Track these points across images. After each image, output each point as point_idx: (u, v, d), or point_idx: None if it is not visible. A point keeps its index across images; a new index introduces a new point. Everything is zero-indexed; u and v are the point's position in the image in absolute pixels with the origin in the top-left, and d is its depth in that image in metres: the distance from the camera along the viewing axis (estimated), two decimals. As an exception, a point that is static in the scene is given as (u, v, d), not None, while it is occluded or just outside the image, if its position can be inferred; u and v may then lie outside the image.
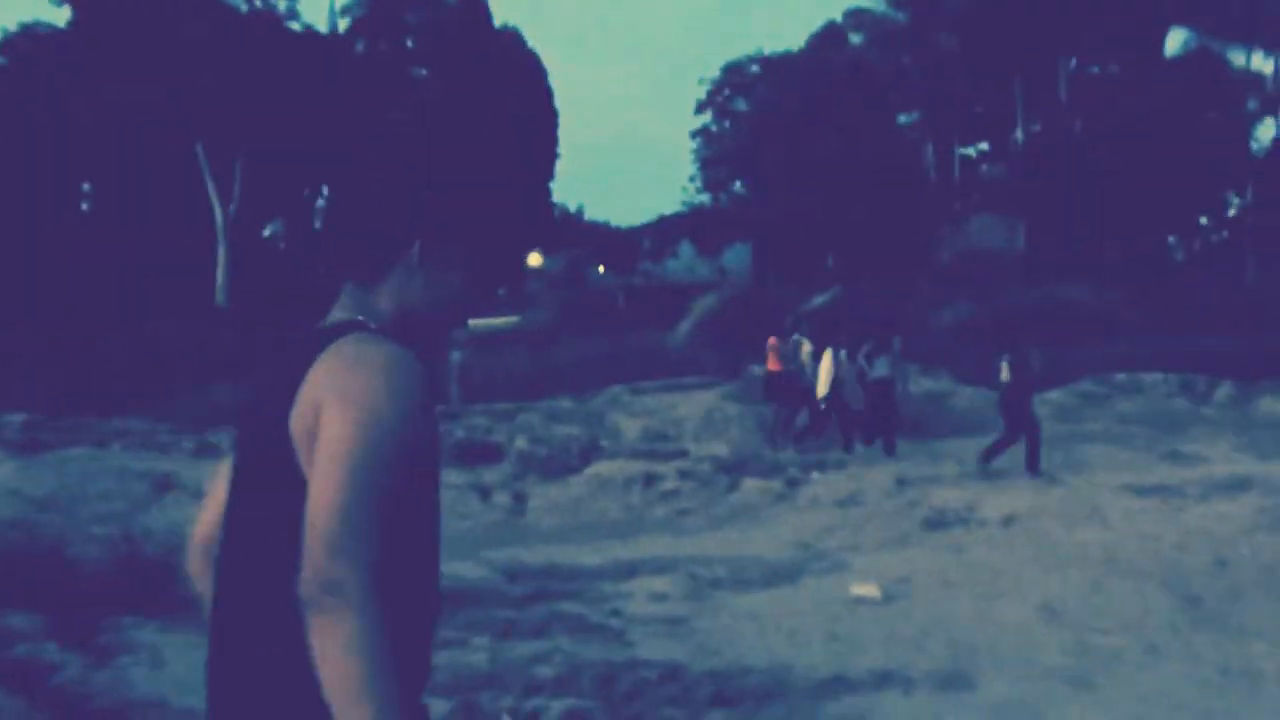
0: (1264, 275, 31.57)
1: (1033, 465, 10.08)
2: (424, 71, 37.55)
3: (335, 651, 1.30)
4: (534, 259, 39.70)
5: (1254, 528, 6.80)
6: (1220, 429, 13.12)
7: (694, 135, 44.94)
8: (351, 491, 1.35)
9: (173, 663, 4.77)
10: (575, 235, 45.32)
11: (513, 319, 32.21)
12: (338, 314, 1.59)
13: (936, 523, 8.04)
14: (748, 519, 9.40)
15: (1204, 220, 39.95)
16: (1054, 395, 15.62)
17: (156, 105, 28.64)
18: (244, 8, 31.55)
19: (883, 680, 5.01)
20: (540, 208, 39.87)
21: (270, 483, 1.46)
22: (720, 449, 11.88)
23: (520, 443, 12.18)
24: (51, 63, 30.74)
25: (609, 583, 6.92)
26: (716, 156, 43.50)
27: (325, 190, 39.39)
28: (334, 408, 1.38)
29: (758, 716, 4.58)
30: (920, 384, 14.27)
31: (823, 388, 12.18)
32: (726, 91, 44.34)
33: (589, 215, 48.96)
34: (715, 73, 45.63)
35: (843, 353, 12.20)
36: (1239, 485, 8.26)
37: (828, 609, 6.25)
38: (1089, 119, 37.12)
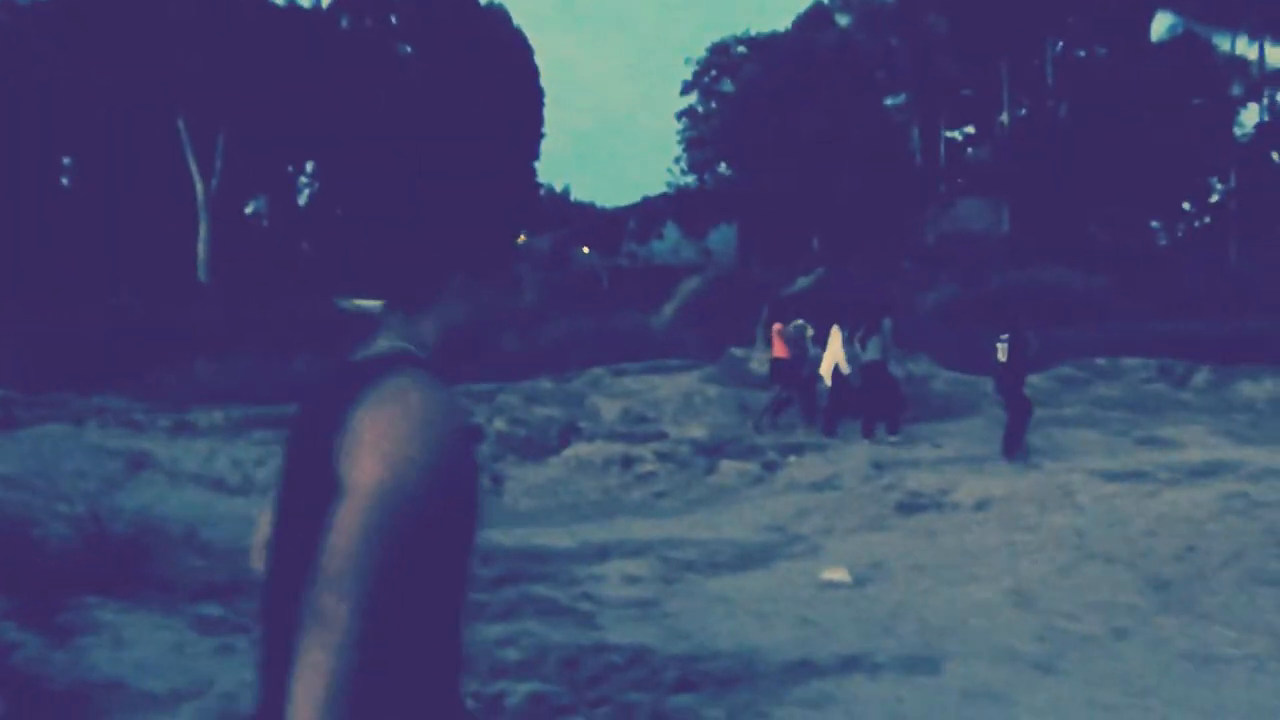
0: (1247, 261, 31.69)
1: (1010, 450, 10.11)
2: (408, 49, 37.23)
3: (306, 670, 1.39)
4: (518, 239, 39.55)
5: (1224, 513, 6.82)
6: (1197, 414, 13.18)
7: (679, 116, 44.81)
8: (360, 539, 1.41)
9: (134, 644, 4.73)
10: (561, 216, 45.15)
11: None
12: (384, 342, 1.62)
13: (910, 507, 8.05)
14: (724, 502, 9.40)
15: (1187, 205, 40.05)
16: (1034, 379, 15.62)
17: (138, 79, 28.33)
18: (226, -19, 31.17)
19: (850, 664, 5.01)
20: (526, 188, 39.66)
21: (313, 512, 1.48)
22: (699, 431, 11.87)
23: (499, 424, 12.14)
24: (32, 35, 30.35)
25: (582, 565, 6.90)
26: (702, 138, 43.36)
27: (308, 168, 39.11)
28: (365, 453, 1.44)
29: (722, 700, 4.57)
30: (903, 367, 14.27)
31: (828, 368, 12.20)
32: (713, 72, 44.16)
33: (575, 196, 48.84)
34: (702, 53, 45.49)
35: (845, 334, 12.26)
36: (1212, 470, 8.29)
37: (799, 593, 6.26)
38: (1075, 103, 37.14)
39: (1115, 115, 35.09)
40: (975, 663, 5.16)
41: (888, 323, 11.94)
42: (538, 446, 11.10)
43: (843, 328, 12.23)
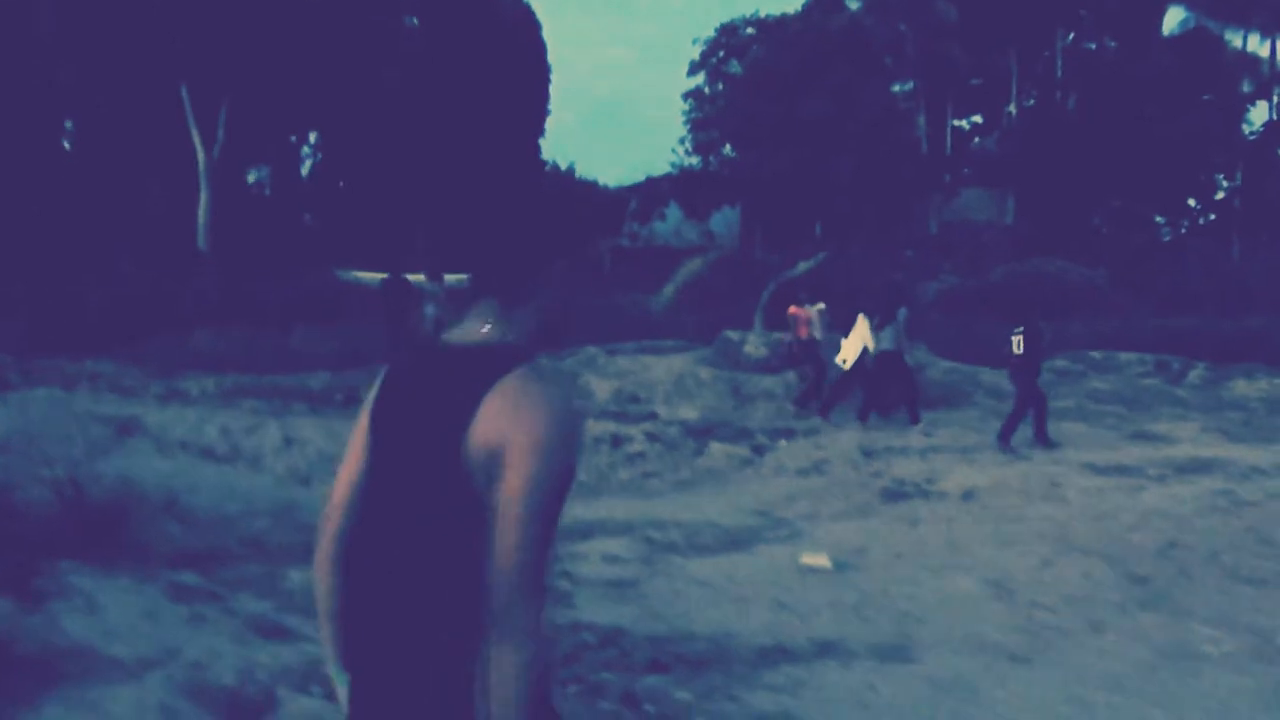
0: (1249, 259, 31.59)
1: (1005, 438, 10.15)
2: (414, 20, 36.99)
3: (507, 676, 1.53)
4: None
5: (1208, 510, 6.81)
6: (1190, 410, 13.14)
7: (686, 97, 44.54)
8: (532, 547, 1.54)
9: (106, 610, 4.71)
10: (564, 193, 44.95)
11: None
12: (486, 331, 1.70)
13: (896, 494, 8.03)
14: (711, 484, 9.38)
15: (1193, 202, 39.88)
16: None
17: (142, 44, 28.14)
18: (232, -52, 30.92)
19: (823, 650, 5.01)
20: (529, 163, 39.50)
21: (441, 500, 1.60)
22: (690, 413, 11.84)
23: (490, 400, 12.08)
24: (34, -3, 30.12)
25: (563, 543, 6.89)
26: (708, 119, 43.12)
27: (312, 139, 38.93)
28: (523, 457, 1.55)
29: (693, 683, 4.57)
30: (913, 356, 14.26)
31: (850, 354, 12.21)
32: (720, 54, 43.87)
33: (580, 174, 48.63)
34: (710, 33, 45.17)
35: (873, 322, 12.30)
36: (1200, 468, 8.27)
37: (778, 577, 6.24)
38: (1083, 95, 36.93)
39: (1123, 109, 34.89)
40: (950, 653, 5.15)
41: (903, 312, 12.00)
42: (528, 424, 11.05)
43: (871, 315, 12.28)
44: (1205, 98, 36.66)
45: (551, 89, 39.29)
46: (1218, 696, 4.77)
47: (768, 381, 13.58)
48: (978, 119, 42.70)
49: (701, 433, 10.72)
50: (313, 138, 39.22)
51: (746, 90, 39.07)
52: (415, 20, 36.97)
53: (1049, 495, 7.54)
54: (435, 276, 17.49)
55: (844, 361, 12.26)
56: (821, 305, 13.44)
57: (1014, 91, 38.43)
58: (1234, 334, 17.95)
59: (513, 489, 1.54)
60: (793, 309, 13.55)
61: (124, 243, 26.95)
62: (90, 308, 20.37)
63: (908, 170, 36.54)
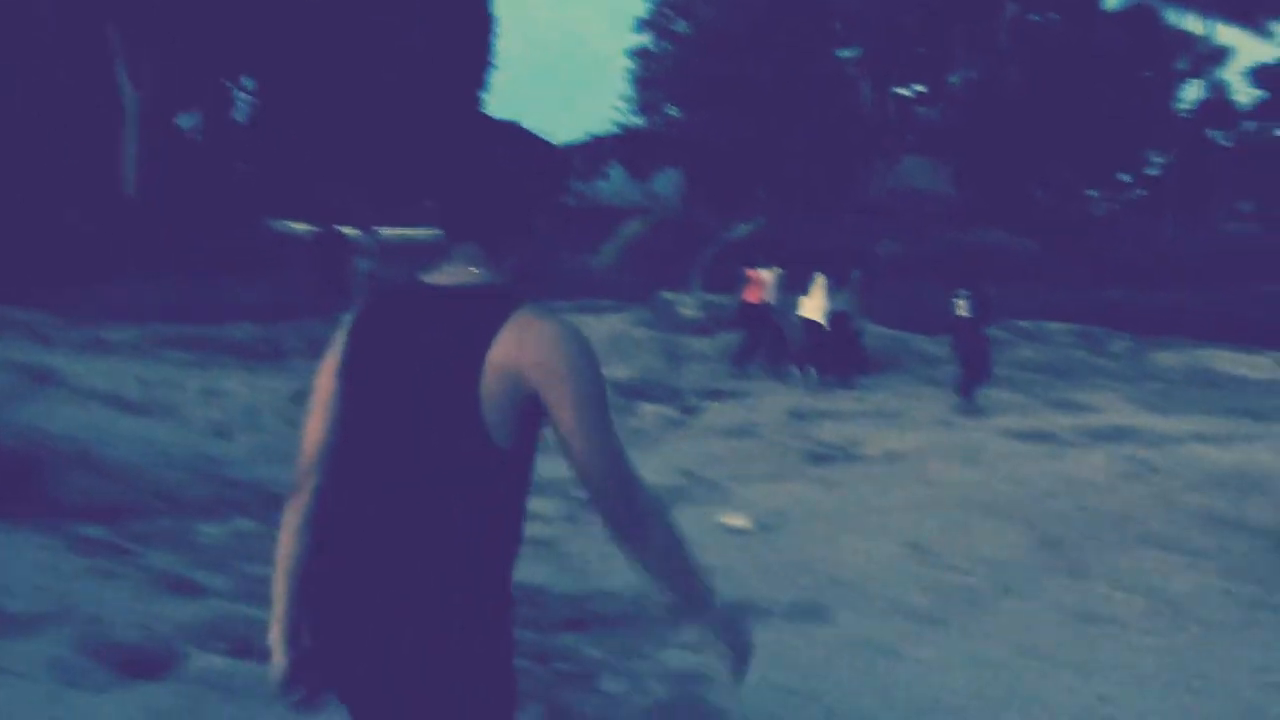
0: (1180, 236, 32.33)
1: (966, 392, 10.52)
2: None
3: (659, 556, 1.73)
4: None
5: (1121, 476, 6.97)
6: (1113, 380, 13.45)
7: (632, 55, 44.07)
8: (609, 452, 1.65)
9: (5, 563, 4.57)
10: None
11: (436, 231, 31.59)
12: (469, 275, 1.72)
13: (821, 457, 8.10)
14: (640, 444, 9.36)
15: (1127, 177, 40.62)
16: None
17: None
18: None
19: (739, 609, 5.03)
20: (470, 118, 38.82)
21: (449, 429, 1.63)
22: (623, 373, 11.81)
23: (422, 356, 11.95)
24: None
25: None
26: (654, 78, 42.75)
27: (247, 84, 37.85)
28: (564, 384, 1.62)
29: (607, 641, 4.57)
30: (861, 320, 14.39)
31: (810, 313, 12.33)
32: (669, 12, 43.41)
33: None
34: (660, -9, 44.58)
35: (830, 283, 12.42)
36: (1116, 435, 8.47)
37: (701, 538, 6.25)
38: (1026, 68, 37.26)
39: (1064, 82, 35.30)
40: (866, 614, 5.22)
41: (856, 274, 12.17)
42: (457, 381, 10.94)
43: (828, 277, 12.41)
44: (1144, 74, 37.24)
45: (498, 42, 38.62)
46: (1122, 657, 4.90)
47: (702, 343, 13.61)
48: (922, 88, 42.91)
49: (633, 393, 10.71)
50: (248, 84, 38.13)
51: (694, 51, 38.76)
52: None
53: (969, 460, 7.66)
54: (369, 230, 17.19)
55: (809, 319, 12.39)
56: (781, 270, 13.45)
57: (958, 62, 38.65)
58: (1159, 308, 18.39)
59: (567, 416, 1.63)
60: (749, 271, 13.54)
61: (44, 184, 26.03)
62: (6, 252, 19.68)
63: (852, 136, 36.66)
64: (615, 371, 11.97)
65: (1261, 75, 39.31)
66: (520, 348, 1.61)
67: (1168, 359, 15.29)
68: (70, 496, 6.13)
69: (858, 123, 37.78)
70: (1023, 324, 16.79)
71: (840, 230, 28.66)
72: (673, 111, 42.75)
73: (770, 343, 13.01)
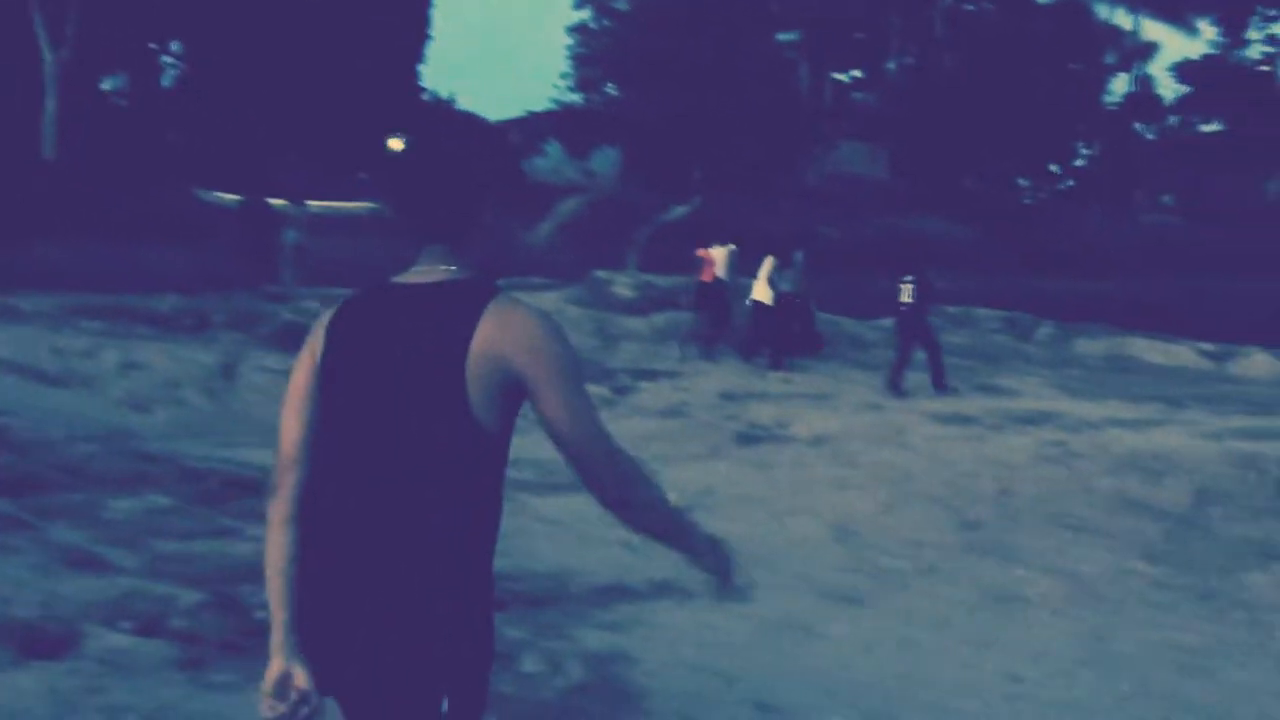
0: (1105, 226, 33.12)
1: (938, 381, 10.62)
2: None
3: (654, 519, 1.85)
4: (395, 144, 38.13)
5: (1040, 460, 7.11)
6: (1036, 366, 13.74)
7: (571, 31, 43.70)
8: (593, 424, 1.73)
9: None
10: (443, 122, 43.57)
11: (368, 204, 31.06)
12: (440, 273, 1.79)
13: (750, 438, 8.14)
14: (570, 423, 9.32)
15: (1055, 167, 41.46)
16: (889, 323, 16.04)
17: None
18: None
19: (661, 590, 5.03)
20: (407, 90, 38.21)
21: (436, 415, 1.69)
22: (555, 351, 11.71)
23: (347, 331, 11.73)
24: None
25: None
26: (592, 55, 42.45)
27: (174, 48, 36.73)
28: (545, 366, 1.69)
29: (529, 620, 4.53)
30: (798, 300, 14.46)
31: (759, 294, 12.37)
32: (609, -12, 43.11)
33: (461, 105, 47.35)
34: (600, -33, 44.18)
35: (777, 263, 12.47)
36: (1037, 419, 8.64)
37: (626, 517, 6.24)
38: (960, 56, 37.76)
39: (997, 72, 35.85)
40: (787, 594, 5.24)
41: (799, 256, 12.25)
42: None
43: (776, 257, 12.47)
44: (1074, 67, 37.98)
45: (436, 15, 38.00)
46: (1034, 636, 5.00)
47: (635, 323, 13.58)
48: (859, 73, 43.25)
49: (564, 372, 10.63)
50: (175, 48, 36.99)
51: (633, 28, 38.57)
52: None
53: (894, 442, 7.76)
54: (298, 201, 16.83)
55: (757, 300, 12.45)
56: (733, 246, 13.42)
57: (895, 48, 39.02)
58: (1083, 295, 18.83)
59: (551, 393, 1.70)
60: (701, 250, 13.50)
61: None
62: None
63: (789, 120, 36.83)
64: (547, 349, 11.88)
65: (1185, 71, 40.38)
66: (502, 333, 1.69)
67: (1089, 346, 15.66)
68: (-27, 470, 5.91)
69: (796, 106, 37.97)
70: (951, 310, 17.04)
71: (777, 214, 28.83)
72: (611, 89, 42.52)
73: (715, 323, 13.03)
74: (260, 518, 5.17)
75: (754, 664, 4.33)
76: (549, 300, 14.45)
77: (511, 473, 6.11)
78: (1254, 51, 40.18)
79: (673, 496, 5.76)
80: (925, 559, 5.88)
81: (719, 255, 13.24)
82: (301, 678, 1.72)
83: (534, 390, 1.70)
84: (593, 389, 10.09)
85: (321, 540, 1.76)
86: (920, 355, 11.13)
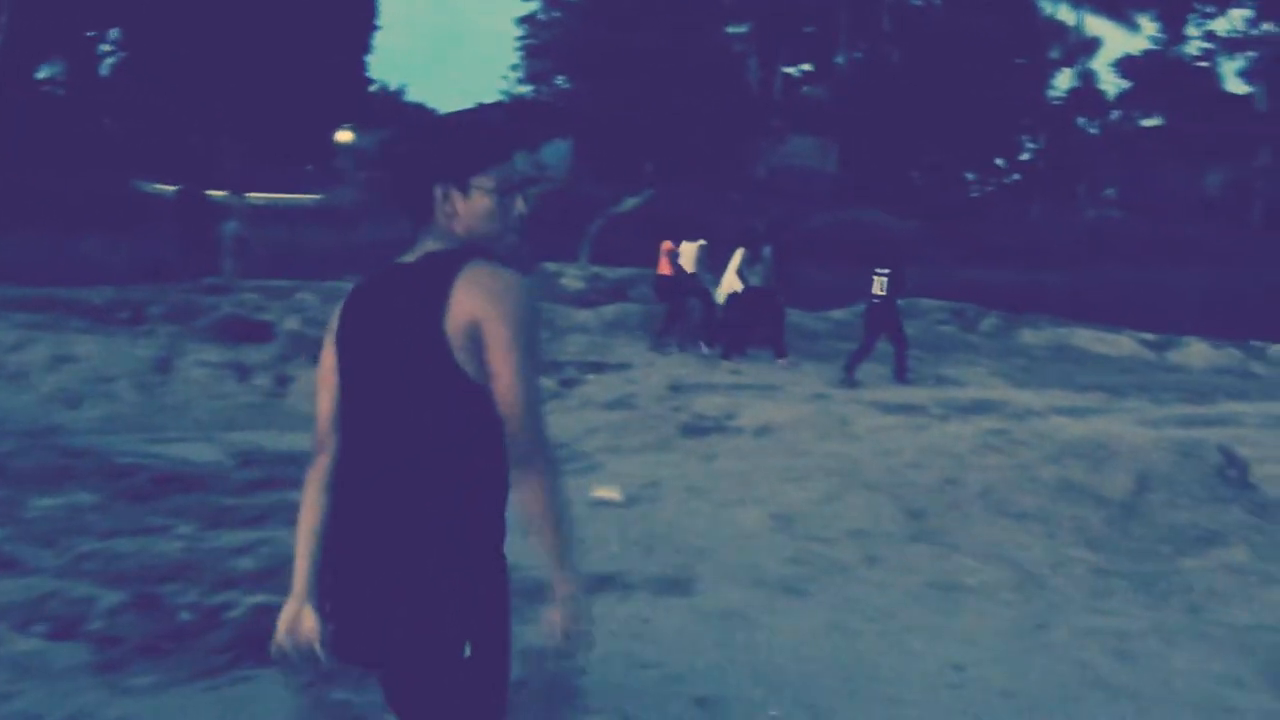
0: (1048, 219, 33.58)
1: (901, 374, 10.65)
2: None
3: (539, 498, 1.89)
4: (344, 135, 37.62)
5: (984, 448, 7.12)
6: (981, 356, 13.86)
7: (520, 22, 43.38)
8: (527, 388, 1.84)
9: None
10: (392, 115, 43.16)
11: (316, 196, 30.59)
12: (431, 245, 1.93)
13: (695, 429, 8.08)
14: (515, 416, 9.21)
15: (1001, 161, 41.96)
16: (838, 314, 16.14)
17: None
18: None
19: (603, 583, 4.95)
20: (354, 82, 37.68)
21: (430, 376, 1.83)
22: (501, 344, 11.57)
23: (291, 323, 11.53)
24: None
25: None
26: (542, 46, 42.19)
27: (112, 35, 35.84)
28: (496, 322, 1.81)
29: (464, 616, 4.41)
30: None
31: (727, 289, 12.34)
32: (559, -22, 42.83)
33: (410, 96, 46.77)
34: (550, -43, 43.85)
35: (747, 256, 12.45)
36: (981, 408, 8.68)
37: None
38: (908, 51, 38.04)
39: (943, 67, 36.17)
40: (728, 585, 5.19)
41: (768, 250, 12.27)
42: (329, 349, 10.56)
43: (747, 250, 12.45)
44: (1018, 61, 38.44)
45: (384, 5, 37.48)
46: (975, 625, 4.98)
47: (584, 315, 13.48)
48: (808, 67, 43.41)
49: (511, 364, 10.50)
50: (114, 35, 36.10)
51: (583, 19, 38.37)
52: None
53: (839, 432, 7.74)
54: (239, 192, 16.49)
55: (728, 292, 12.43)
56: (703, 241, 13.40)
57: (843, 42, 39.20)
58: (1027, 287, 19.04)
59: (499, 353, 1.81)
60: (666, 244, 13.47)
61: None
62: None
63: (738, 112, 36.87)
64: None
65: (1127, 66, 41.05)
66: (469, 293, 1.82)
67: (1034, 336, 15.84)
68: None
69: (745, 99, 38.02)
70: (899, 302, 17.18)
71: (727, 207, 28.84)
72: (561, 81, 42.30)
73: (670, 316, 13.01)
74: (190, 516, 5.02)
75: (692, 655, 4.27)
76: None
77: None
78: (1193, 47, 40.96)
79: (618, 488, 5.65)
80: (868, 548, 5.86)
81: (688, 250, 13.23)
82: (310, 619, 1.91)
83: (485, 340, 1.81)
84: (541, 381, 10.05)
85: (345, 505, 1.93)
86: (884, 348, 11.27)
